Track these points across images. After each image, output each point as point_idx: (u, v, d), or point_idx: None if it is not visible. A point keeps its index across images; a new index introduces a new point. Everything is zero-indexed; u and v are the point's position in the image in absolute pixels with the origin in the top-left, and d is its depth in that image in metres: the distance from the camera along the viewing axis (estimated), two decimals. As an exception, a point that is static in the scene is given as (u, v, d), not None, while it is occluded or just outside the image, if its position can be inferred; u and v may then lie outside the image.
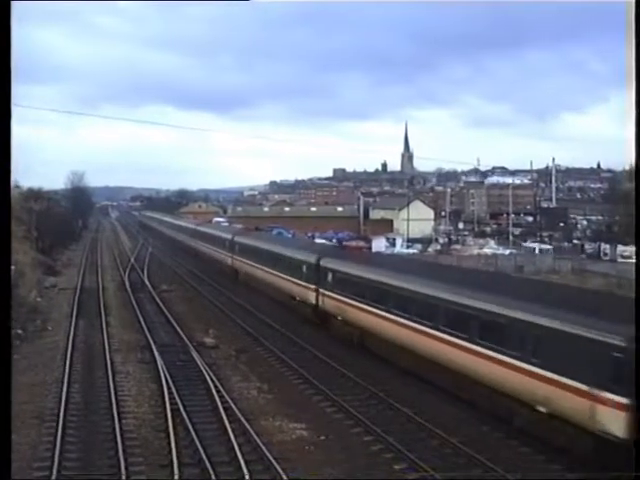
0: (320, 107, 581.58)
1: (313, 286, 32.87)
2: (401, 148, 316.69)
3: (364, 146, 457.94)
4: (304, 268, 34.07)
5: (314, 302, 32.69)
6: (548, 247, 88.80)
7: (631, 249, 76.90)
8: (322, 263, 32.22)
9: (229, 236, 55.53)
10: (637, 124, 9.08)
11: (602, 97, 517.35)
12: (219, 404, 20.85)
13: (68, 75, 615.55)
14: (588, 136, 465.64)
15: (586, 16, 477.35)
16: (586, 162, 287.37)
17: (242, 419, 19.61)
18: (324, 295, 31.65)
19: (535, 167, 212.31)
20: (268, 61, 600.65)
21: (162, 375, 23.94)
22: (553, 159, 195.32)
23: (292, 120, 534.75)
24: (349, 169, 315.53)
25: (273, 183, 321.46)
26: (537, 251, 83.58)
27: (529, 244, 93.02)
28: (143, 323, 34.35)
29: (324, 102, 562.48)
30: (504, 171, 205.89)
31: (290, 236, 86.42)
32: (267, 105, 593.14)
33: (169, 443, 17.60)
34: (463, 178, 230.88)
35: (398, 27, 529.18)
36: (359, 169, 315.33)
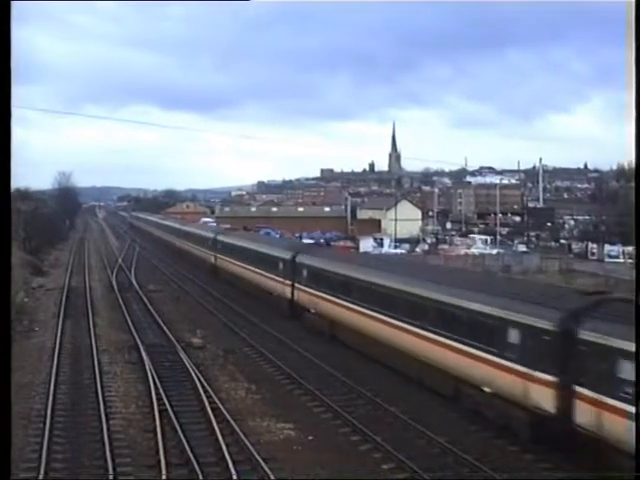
0: (304, 107, 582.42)
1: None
2: (388, 148, 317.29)
3: (349, 146, 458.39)
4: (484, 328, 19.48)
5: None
6: (489, 238, 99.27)
7: (618, 248, 77.55)
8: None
9: (287, 255, 37.24)
10: (637, 124, 9.09)
11: (585, 97, 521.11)
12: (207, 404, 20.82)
13: (51, 75, 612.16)
14: (574, 136, 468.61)
15: (565, 16, 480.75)
16: (573, 162, 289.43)
17: (230, 419, 19.59)
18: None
19: (522, 167, 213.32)
20: (250, 61, 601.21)
21: (150, 375, 23.88)
22: (540, 159, 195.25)
23: (277, 120, 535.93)
24: (337, 169, 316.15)
25: (261, 183, 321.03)
26: (481, 243, 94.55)
27: (476, 236, 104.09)
28: (130, 323, 34.25)
29: (308, 102, 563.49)
30: (491, 171, 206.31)
31: (278, 236, 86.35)
32: (251, 105, 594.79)
33: (157, 443, 17.57)
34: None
35: (380, 28, 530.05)
36: (347, 169, 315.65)
